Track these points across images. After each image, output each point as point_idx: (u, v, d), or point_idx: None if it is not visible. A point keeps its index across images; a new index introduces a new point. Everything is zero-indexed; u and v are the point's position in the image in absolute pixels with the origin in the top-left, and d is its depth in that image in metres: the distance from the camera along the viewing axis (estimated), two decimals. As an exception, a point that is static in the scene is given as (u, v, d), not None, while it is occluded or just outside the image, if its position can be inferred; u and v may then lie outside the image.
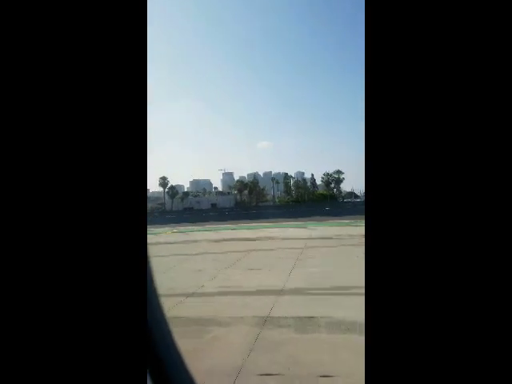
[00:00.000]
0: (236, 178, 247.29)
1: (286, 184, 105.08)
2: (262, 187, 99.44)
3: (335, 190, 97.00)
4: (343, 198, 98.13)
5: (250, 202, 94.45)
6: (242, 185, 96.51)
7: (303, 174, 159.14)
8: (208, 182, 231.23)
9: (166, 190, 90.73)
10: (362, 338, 1.31)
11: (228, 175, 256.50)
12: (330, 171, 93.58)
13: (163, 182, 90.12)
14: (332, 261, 10.40)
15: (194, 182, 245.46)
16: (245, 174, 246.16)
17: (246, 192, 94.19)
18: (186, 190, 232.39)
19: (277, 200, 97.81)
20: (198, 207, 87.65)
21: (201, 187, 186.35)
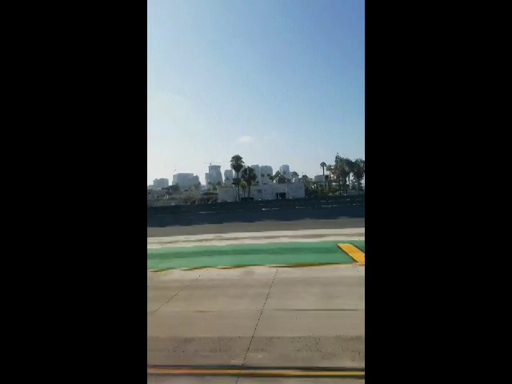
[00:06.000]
0: (222, 171, 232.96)
1: (359, 170, 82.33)
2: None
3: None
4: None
5: (322, 191, 74.66)
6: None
7: (288, 167, 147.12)
8: (194, 176, 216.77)
9: (240, 173, 69.88)
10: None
11: (214, 169, 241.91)
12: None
13: (237, 163, 69.56)
14: None
15: (180, 176, 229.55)
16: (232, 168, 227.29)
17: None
18: (170, 183, 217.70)
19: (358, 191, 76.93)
20: (258, 197, 68.59)
21: (187, 181, 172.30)
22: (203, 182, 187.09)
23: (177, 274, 8.73)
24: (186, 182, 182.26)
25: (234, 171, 74.28)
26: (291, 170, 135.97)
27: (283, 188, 73.87)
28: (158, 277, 8.55)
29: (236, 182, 73.37)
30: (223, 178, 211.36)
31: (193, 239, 15.64)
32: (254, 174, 74.12)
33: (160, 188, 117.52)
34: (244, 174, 69.37)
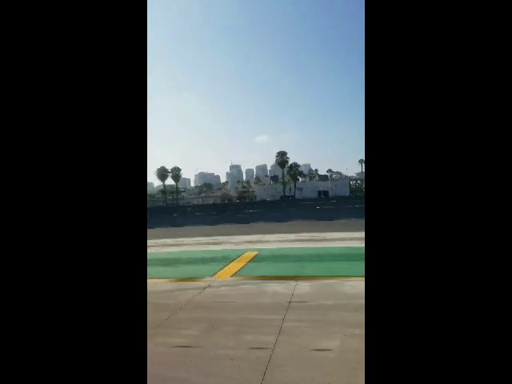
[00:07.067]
0: (243, 170, 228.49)
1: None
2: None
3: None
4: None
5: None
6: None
7: (309, 165, 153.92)
8: (216, 176, 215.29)
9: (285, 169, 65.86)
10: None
11: (235, 168, 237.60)
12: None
13: (282, 159, 66.01)
14: None
15: (202, 176, 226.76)
16: (253, 167, 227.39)
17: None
18: (192, 183, 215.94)
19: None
20: (299, 195, 65.35)
21: (209, 181, 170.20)
22: (224, 180, 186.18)
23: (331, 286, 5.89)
24: (207, 181, 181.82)
25: (254, 170, 71.45)
26: (312, 167, 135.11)
27: (325, 186, 70.36)
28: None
29: (275, 179, 70.46)
30: (244, 177, 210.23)
31: (305, 238, 12.80)
32: (300, 171, 70.70)
33: (193, 187, 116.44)
34: (289, 171, 66.18)
